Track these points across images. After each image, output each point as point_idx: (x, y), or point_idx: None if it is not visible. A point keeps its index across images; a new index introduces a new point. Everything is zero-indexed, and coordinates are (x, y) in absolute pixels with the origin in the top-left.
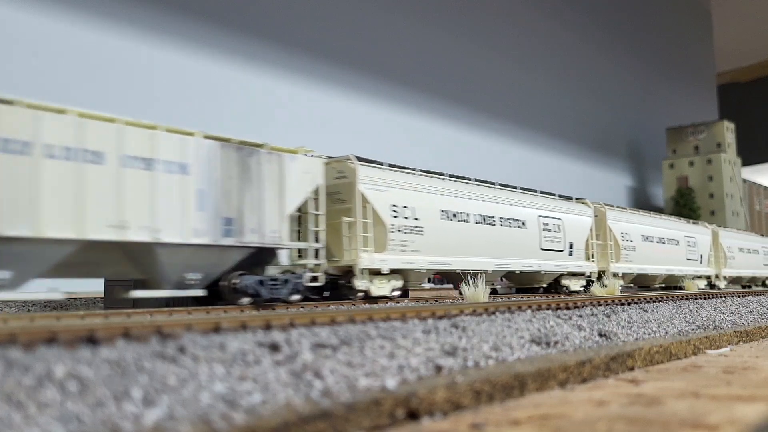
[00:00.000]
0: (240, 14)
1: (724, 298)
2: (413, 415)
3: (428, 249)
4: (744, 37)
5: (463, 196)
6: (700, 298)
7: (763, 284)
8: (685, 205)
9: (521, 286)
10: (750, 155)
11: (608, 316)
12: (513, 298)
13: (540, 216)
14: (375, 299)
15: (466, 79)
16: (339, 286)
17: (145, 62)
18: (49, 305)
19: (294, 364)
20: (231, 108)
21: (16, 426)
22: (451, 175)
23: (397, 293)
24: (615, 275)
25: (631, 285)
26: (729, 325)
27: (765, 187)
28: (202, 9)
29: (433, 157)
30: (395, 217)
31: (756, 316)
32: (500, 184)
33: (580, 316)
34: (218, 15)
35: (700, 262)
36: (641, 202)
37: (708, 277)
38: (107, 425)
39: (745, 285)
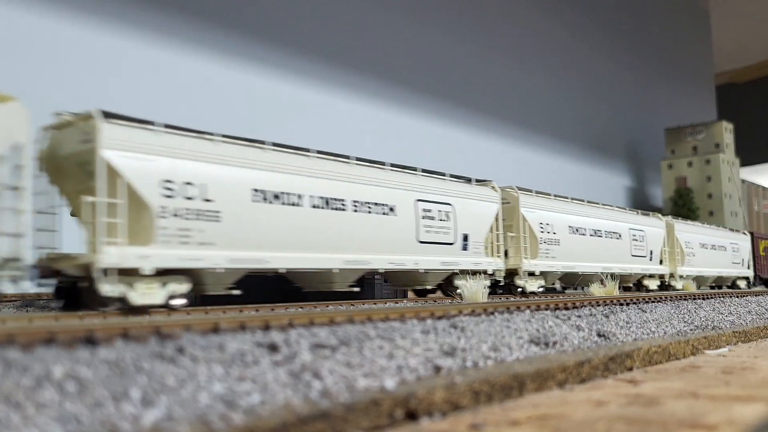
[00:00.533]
0: (239, 14)
1: (722, 299)
2: (412, 416)
3: (229, 241)
4: (743, 38)
5: (294, 172)
6: (699, 299)
7: (733, 284)
8: (683, 206)
9: (401, 288)
10: (749, 156)
11: (607, 317)
12: (512, 299)
13: (419, 200)
14: (144, 310)
15: (466, 79)
16: (82, 291)
17: (145, 62)
18: (47, 306)
19: (293, 364)
20: (231, 108)
21: (14, 426)
22: (276, 144)
23: (180, 302)
24: (531, 274)
25: (555, 285)
26: (727, 326)
27: (764, 188)
28: (202, 9)
29: (432, 157)
30: (170, 196)
31: (754, 317)
32: (359, 158)
33: (579, 316)
34: (218, 15)
35: (650, 259)
36: (640, 202)
37: (661, 277)
38: (106, 426)
39: (711, 286)
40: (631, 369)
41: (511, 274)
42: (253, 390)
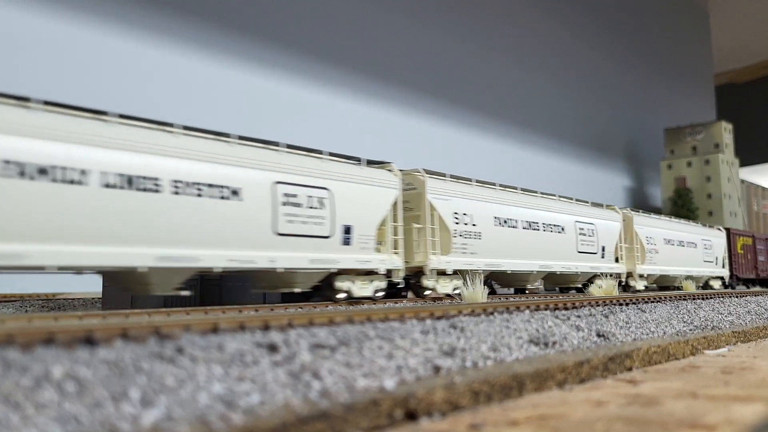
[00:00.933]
0: (239, 14)
1: (722, 299)
2: (412, 416)
3: None
4: (742, 38)
5: (77, 141)
6: (698, 299)
7: (706, 285)
8: (683, 206)
9: (266, 291)
10: (749, 156)
11: (606, 317)
12: (512, 299)
13: (278, 183)
14: None
15: (466, 78)
16: None
17: (145, 63)
18: (46, 306)
19: (292, 364)
20: (231, 108)
21: (14, 427)
22: (51, 103)
23: None
24: (442, 273)
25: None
26: (727, 326)
27: (763, 188)
28: (202, 9)
29: (432, 157)
30: None
31: (754, 317)
32: (186, 127)
33: (579, 316)
34: (218, 15)
35: (602, 257)
36: (640, 202)
37: (617, 276)
38: (105, 426)
39: (678, 287)
40: (630, 369)
41: (419, 273)
42: (252, 390)
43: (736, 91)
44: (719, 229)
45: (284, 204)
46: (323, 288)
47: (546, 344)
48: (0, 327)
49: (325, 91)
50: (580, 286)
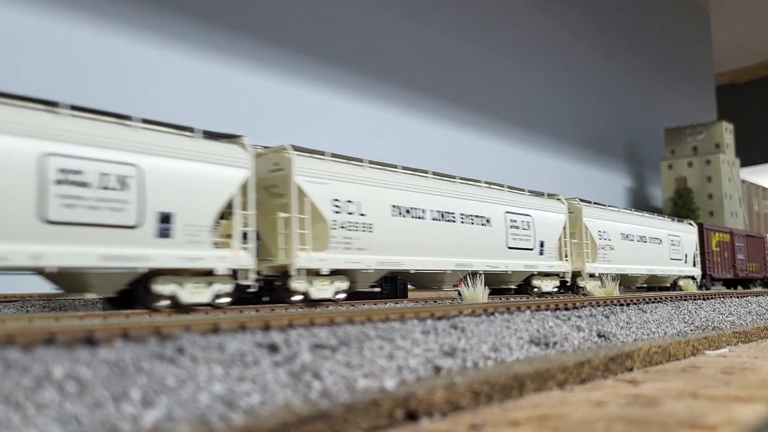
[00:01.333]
0: (239, 15)
1: (722, 299)
2: (412, 416)
3: None
4: (742, 38)
5: None
6: (699, 299)
7: (674, 285)
8: (683, 206)
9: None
10: (749, 156)
11: (607, 317)
12: (512, 299)
13: (51, 155)
14: None
15: (466, 78)
16: None
17: (145, 63)
18: (47, 306)
19: (293, 364)
20: (231, 108)
21: (14, 427)
22: None
23: None
24: (315, 273)
25: (378, 288)
26: (728, 326)
27: (764, 188)
28: (202, 9)
29: (431, 156)
30: None
31: (755, 317)
32: None
33: (579, 316)
34: (218, 15)
35: (540, 253)
36: (640, 202)
37: (561, 276)
38: (106, 426)
39: (642, 287)
40: (631, 369)
41: (287, 274)
42: (252, 390)
43: (737, 91)
44: (690, 224)
45: (59, 183)
46: (138, 293)
47: (547, 344)
48: (1, 327)
49: (325, 91)
50: (515, 287)
